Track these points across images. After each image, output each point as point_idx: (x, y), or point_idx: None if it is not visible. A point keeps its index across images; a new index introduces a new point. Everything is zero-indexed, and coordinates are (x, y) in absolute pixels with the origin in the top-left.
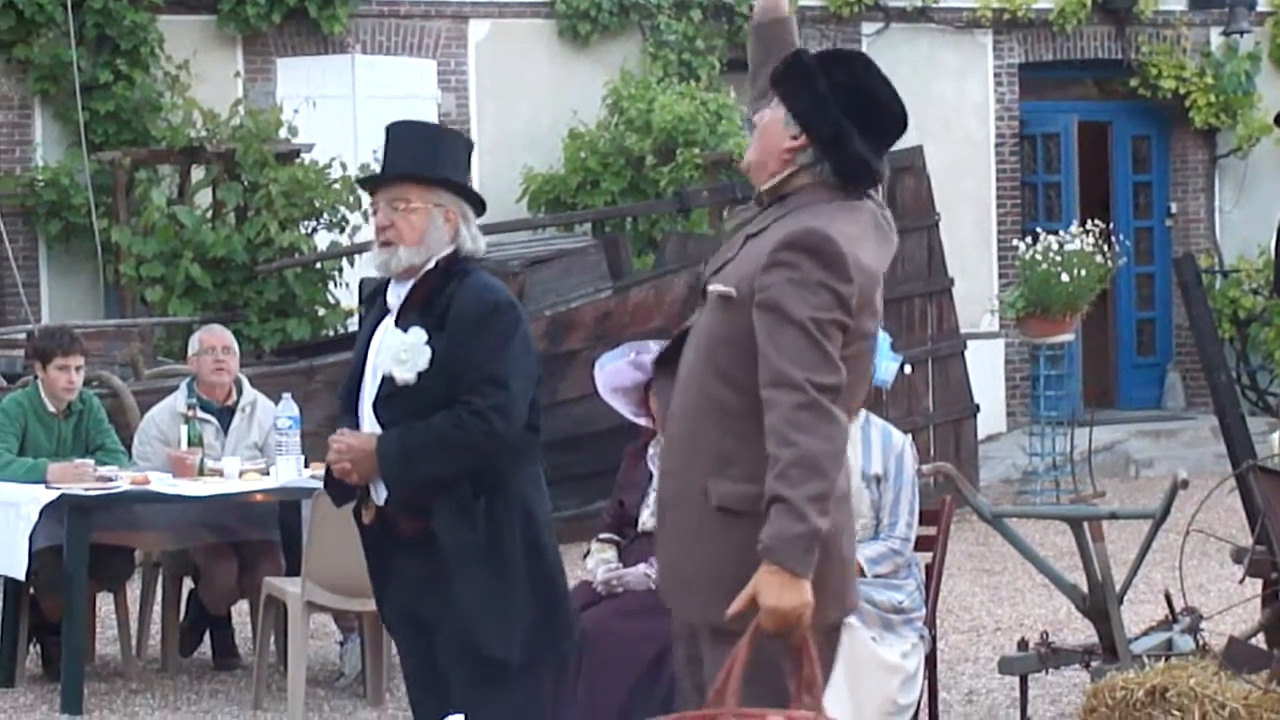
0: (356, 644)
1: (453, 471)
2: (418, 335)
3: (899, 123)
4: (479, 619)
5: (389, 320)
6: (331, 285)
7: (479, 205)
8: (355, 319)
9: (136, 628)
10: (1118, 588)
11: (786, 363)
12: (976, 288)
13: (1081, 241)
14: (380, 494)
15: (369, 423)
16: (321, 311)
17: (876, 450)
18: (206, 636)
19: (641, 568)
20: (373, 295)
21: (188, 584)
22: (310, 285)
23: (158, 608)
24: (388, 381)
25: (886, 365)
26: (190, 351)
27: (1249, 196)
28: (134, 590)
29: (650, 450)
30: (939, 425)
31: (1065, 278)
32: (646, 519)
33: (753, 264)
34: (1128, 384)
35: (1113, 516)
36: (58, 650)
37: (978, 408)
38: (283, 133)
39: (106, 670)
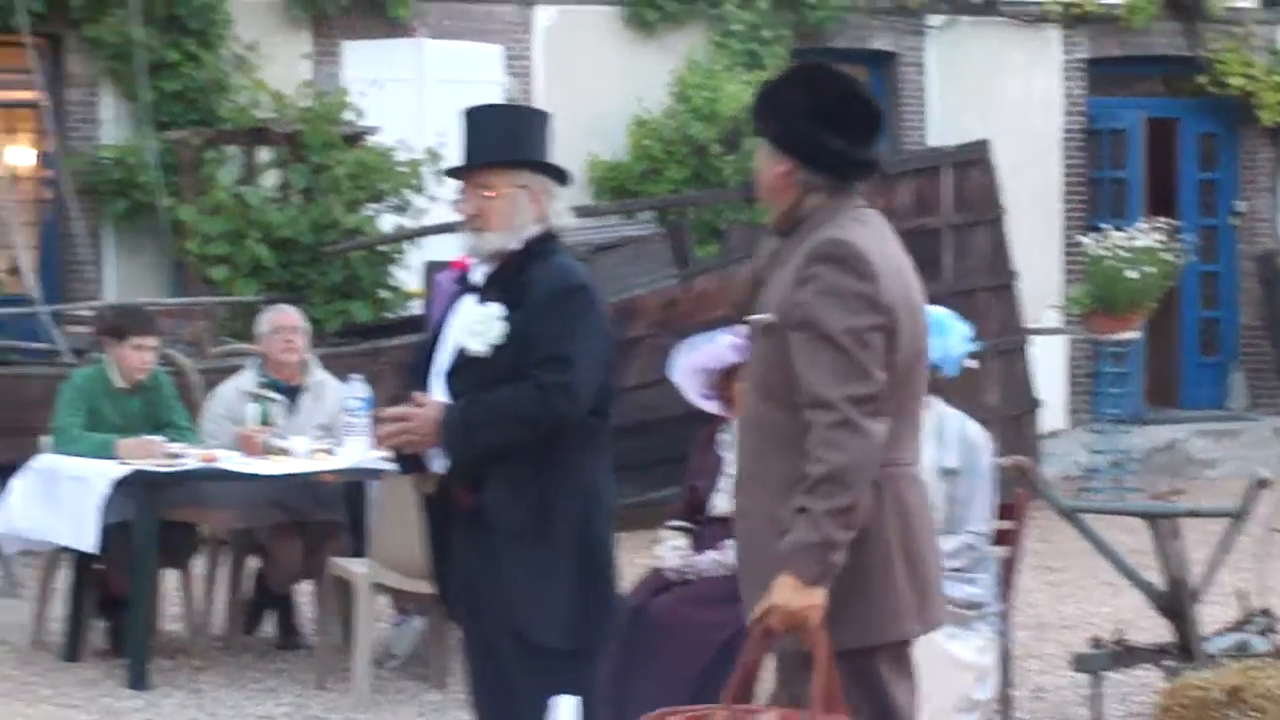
0: (411, 625)
1: (510, 443)
2: (494, 310)
3: (868, 109)
4: (521, 601)
5: (471, 297)
6: (395, 268)
7: (562, 178)
8: (418, 302)
9: (200, 605)
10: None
11: (819, 381)
12: (1040, 284)
13: (1150, 238)
14: (438, 464)
15: (438, 392)
16: (384, 294)
17: (952, 444)
18: (269, 615)
19: (712, 554)
20: (462, 275)
21: (252, 562)
22: (374, 268)
23: (221, 586)
24: (461, 353)
25: (959, 341)
26: (260, 331)
27: None
28: (198, 568)
29: (723, 435)
30: (1001, 420)
31: (1132, 274)
32: (717, 504)
33: (784, 287)
34: (1190, 383)
35: (1192, 514)
36: (123, 626)
37: (1040, 403)
38: (349, 115)
39: (170, 647)
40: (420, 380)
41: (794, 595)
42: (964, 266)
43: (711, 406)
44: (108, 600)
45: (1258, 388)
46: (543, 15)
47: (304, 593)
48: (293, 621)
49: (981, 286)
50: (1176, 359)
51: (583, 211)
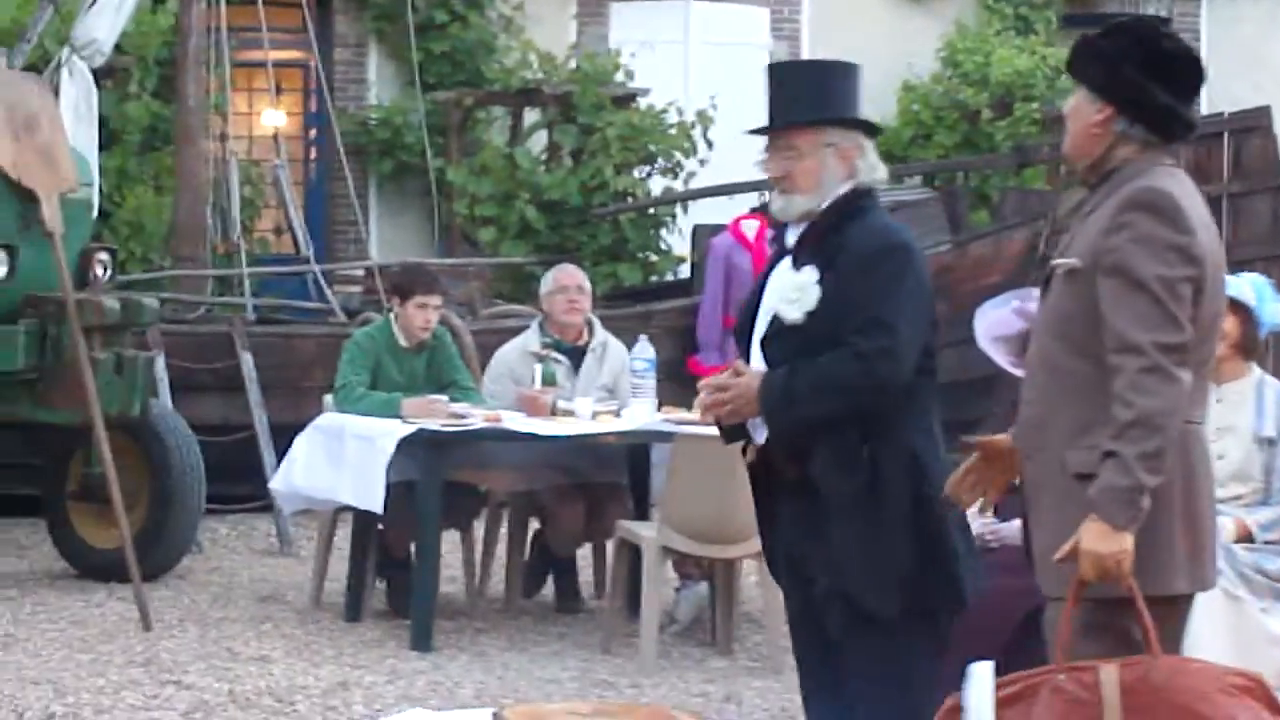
0: (694, 590)
1: (833, 413)
2: (809, 275)
3: (1195, 67)
4: (854, 569)
5: (786, 260)
6: (664, 231)
7: (873, 131)
8: (686, 266)
9: (479, 567)
10: None
11: (1130, 326)
12: None
13: None
14: (760, 434)
15: (756, 361)
16: (653, 258)
17: (1271, 411)
18: (548, 579)
19: (1016, 523)
20: (776, 235)
21: (532, 525)
22: (642, 231)
23: (501, 548)
24: (776, 320)
25: (1274, 309)
26: (543, 290)
27: None
28: (477, 529)
29: None
30: None
31: None
32: None
33: (1094, 233)
34: None
35: None
36: (403, 586)
37: None
38: (619, 77)
39: (450, 609)
40: (743, 347)
41: (1104, 541)
42: (1243, 235)
43: (1021, 373)
44: (386, 561)
45: None
46: None
47: (581, 556)
48: (572, 585)
49: (1260, 256)
50: None
51: None
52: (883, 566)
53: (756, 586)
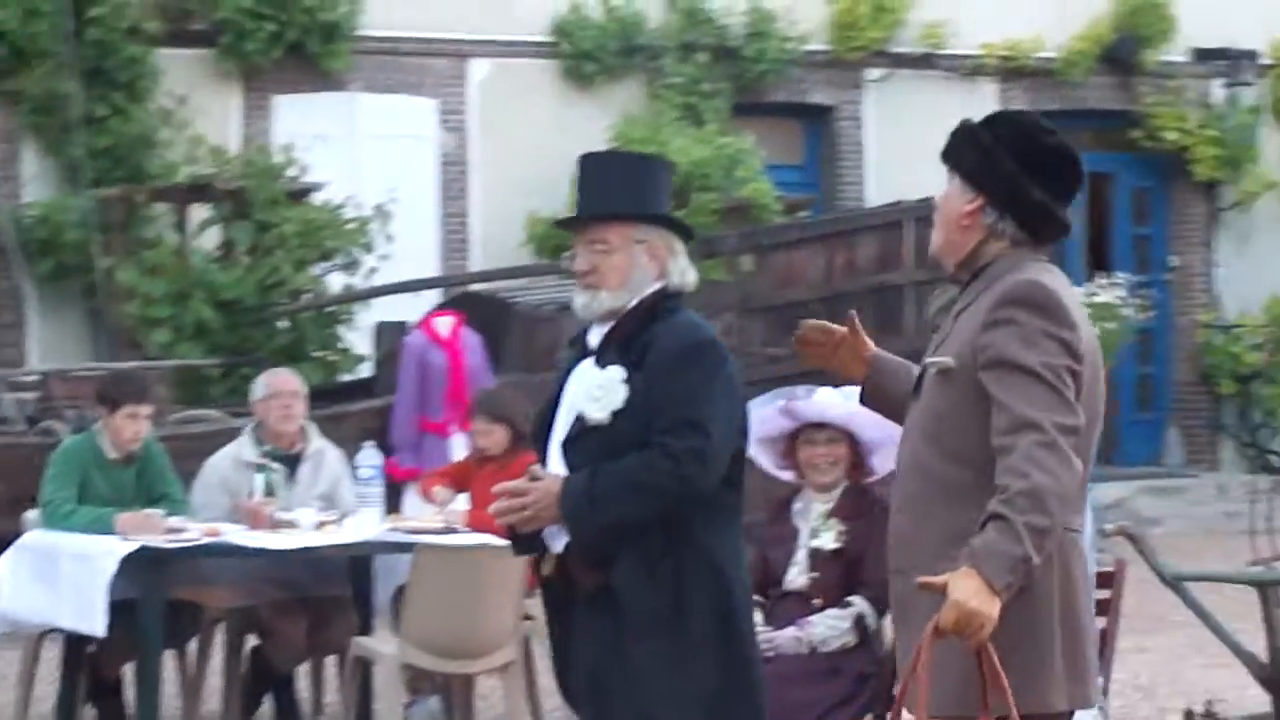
0: (424, 707)
1: (638, 516)
2: (615, 373)
3: (1074, 168)
4: (655, 691)
5: (588, 360)
6: (344, 330)
7: (687, 233)
8: (368, 365)
9: (192, 688)
10: None
11: (1026, 407)
12: None
13: (1110, 294)
14: (558, 542)
15: (556, 463)
16: (333, 357)
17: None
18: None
19: (791, 631)
20: (577, 335)
21: (249, 641)
22: (322, 329)
23: (215, 666)
24: (579, 421)
25: None
26: (255, 395)
27: (1250, 251)
28: (190, 648)
29: (796, 505)
30: None
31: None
32: (794, 577)
33: (969, 332)
34: (1127, 439)
35: None
36: (115, 712)
37: None
38: (291, 171)
39: None
40: (539, 452)
41: (978, 598)
42: (918, 325)
43: (787, 476)
44: (96, 685)
45: (1194, 444)
46: (477, 68)
47: (299, 672)
48: (292, 703)
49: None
50: (1113, 415)
51: (518, 272)
52: (685, 688)
53: (483, 699)
